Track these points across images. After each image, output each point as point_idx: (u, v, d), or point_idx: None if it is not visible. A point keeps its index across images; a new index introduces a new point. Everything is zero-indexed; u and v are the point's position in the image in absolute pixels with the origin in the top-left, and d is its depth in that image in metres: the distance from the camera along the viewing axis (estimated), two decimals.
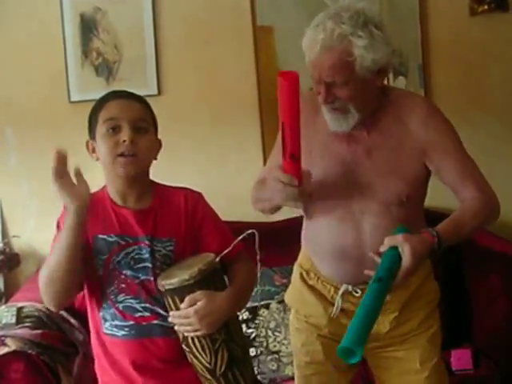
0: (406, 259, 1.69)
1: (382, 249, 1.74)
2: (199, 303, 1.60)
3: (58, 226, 1.72)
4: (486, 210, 1.85)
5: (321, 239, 1.95)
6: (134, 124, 1.67)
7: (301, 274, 2.03)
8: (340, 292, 1.93)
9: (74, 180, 1.59)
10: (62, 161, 1.58)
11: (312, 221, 1.99)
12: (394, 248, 1.72)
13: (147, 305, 1.68)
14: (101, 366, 1.76)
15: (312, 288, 2.00)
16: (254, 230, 1.68)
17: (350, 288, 1.92)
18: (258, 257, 1.70)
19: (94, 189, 1.78)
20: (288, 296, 2.13)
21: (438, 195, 2.12)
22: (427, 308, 1.98)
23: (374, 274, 1.72)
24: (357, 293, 1.91)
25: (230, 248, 1.68)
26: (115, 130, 1.66)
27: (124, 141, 1.65)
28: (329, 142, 1.91)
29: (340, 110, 1.82)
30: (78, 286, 1.71)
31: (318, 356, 2.00)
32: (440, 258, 2.88)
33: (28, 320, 2.52)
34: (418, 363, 1.94)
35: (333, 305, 1.95)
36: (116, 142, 1.65)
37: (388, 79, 3.16)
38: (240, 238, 1.70)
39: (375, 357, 2.02)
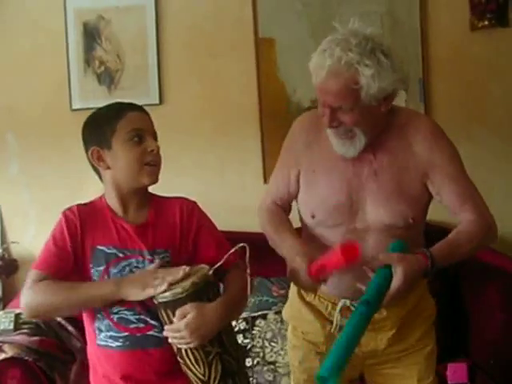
0: (397, 280, 1.71)
1: (376, 265, 1.75)
2: (189, 316, 1.60)
3: (54, 237, 1.71)
4: (483, 234, 1.87)
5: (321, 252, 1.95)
6: (153, 135, 1.74)
7: (298, 291, 2.02)
8: (338, 307, 1.93)
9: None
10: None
11: (312, 234, 1.98)
12: (388, 266, 1.74)
13: (142, 316, 1.69)
14: (95, 376, 1.77)
15: (309, 305, 2.00)
16: (245, 244, 1.68)
17: (348, 303, 1.92)
18: (249, 271, 1.70)
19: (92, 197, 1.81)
20: (286, 312, 2.12)
21: (438, 210, 2.12)
22: (424, 325, 1.99)
23: (365, 290, 1.73)
24: (355, 307, 1.89)
25: (221, 261, 1.68)
26: (140, 139, 1.70)
27: (152, 150, 1.70)
28: (333, 161, 1.91)
29: (346, 135, 1.82)
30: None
31: (315, 374, 1.99)
32: (438, 272, 2.91)
33: (26, 326, 2.53)
34: (415, 380, 1.95)
35: (330, 321, 1.95)
36: (143, 150, 1.70)
37: None
38: (231, 251, 1.69)
39: (373, 373, 2.02)
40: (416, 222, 1.88)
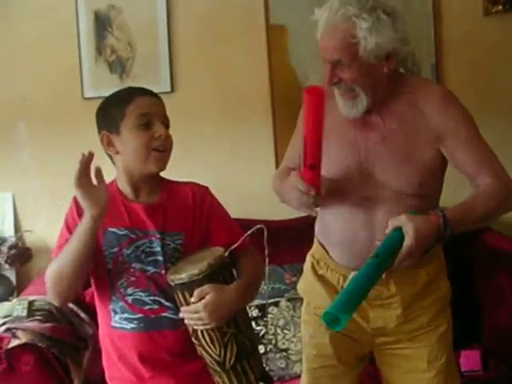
0: (409, 238, 1.67)
1: (387, 231, 1.72)
2: (208, 297, 1.61)
3: (67, 222, 1.73)
4: (501, 197, 1.80)
5: (332, 225, 1.95)
6: (162, 120, 1.72)
7: (312, 265, 2.02)
8: (348, 279, 1.88)
9: (95, 181, 1.61)
10: (87, 164, 1.58)
11: (323, 207, 1.96)
12: (398, 229, 1.70)
13: (156, 298, 1.70)
14: (108, 360, 1.78)
15: (321, 278, 1.99)
16: (263, 226, 1.69)
17: None
18: (267, 251, 1.70)
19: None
20: (299, 286, 2.12)
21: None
22: (437, 305, 1.96)
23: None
24: None
25: (238, 242, 1.69)
26: (148, 125, 1.69)
27: (160, 135, 1.69)
28: (343, 128, 1.91)
29: (348, 95, 1.82)
30: (85, 283, 1.73)
31: (326, 349, 1.99)
32: (450, 258, 2.90)
33: (39, 313, 2.54)
34: (425, 362, 1.93)
35: None
36: (150, 136, 1.69)
37: None
38: (249, 232, 1.71)
39: (383, 354, 2.01)
40: (424, 189, 1.84)
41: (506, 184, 1.82)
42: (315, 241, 2.06)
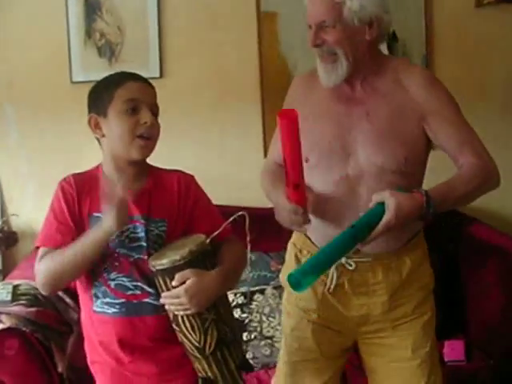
0: (389, 213, 1.68)
1: (370, 205, 1.73)
2: (189, 281, 1.61)
3: (54, 210, 1.71)
4: (483, 176, 1.83)
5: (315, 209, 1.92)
6: (151, 108, 1.70)
7: (295, 254, 2.01)
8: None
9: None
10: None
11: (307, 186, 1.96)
12: (381, 204, 1.71)
13: (139, 283, 1.70)
14: (90, 344, 1.78)
15: None
16: (245, 212, 1.69)
17: (343, 260, 1.88)
18: (248, 238, 1.71)
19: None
20: (282, 276, 2.11)
21: None
22: (421, 293, 1.97)
23: None
24: (350, 266, 1.90)
25: (220, 229, 1.69)
26: (135, 110, 1.68)
27: (145, 122, 1.67)
28: (327, 105, 1.93)
29: (329, 58, 1.85)
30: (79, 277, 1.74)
31: (307, 343, 1.99)
32: (437, 249, 2.91)
33: (23, 298, 2.53)
34: (410, 351, 1.93)
35: (325, 284, 1.93)
36: (136, 122, 1.68)
37: None
38: (231, 219, 1.71)
39: (367, 343, 2.01)
40: (408, 165, 1.85)
41: (487, 163, 1.85)
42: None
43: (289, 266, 2.05)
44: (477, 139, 1.88)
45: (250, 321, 2.76)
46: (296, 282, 1.65)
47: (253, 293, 2.77)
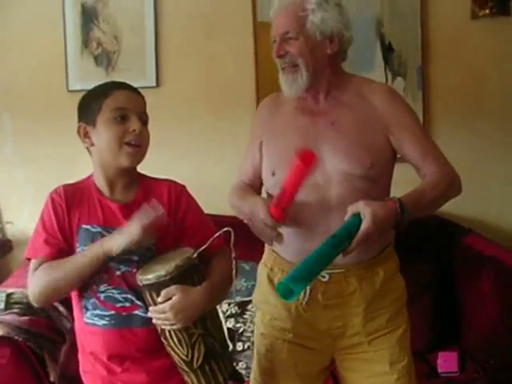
0: (366, 222, 1.71)
1: (346, 217, 1.75)
2: (174, 298, 1.61)
3: (44, 221, 1.71)
4: (447, 182, 1.90)
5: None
6: (140, 116, 1.71)
7: (267, 274, 2.00)
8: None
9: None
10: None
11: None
12: (357, 215, 1.73)
13: (128, 295, 1.69)
14: (83, 354, 1.78)
15: None
16: (230, 229, 1.69)
17: None
18: (234, 255, 1.70)
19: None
20: (255, 297, 2.11)
21: None
22: (395, 305, 1.97)
23: None
24: (324, 278, 1.89)
25: (206, 245, 1.68)
26: (124, 118, 1.68)
27: (134, 130, 1.68)
28: (292, 119, 1.98)
29: (290, 69, 1.91)
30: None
31: (283, 363, 1.97)
32: (432, 260, 2.91)
33: (16, 306, 2.53)
34: (387, 365, 1.92)
35: (298, 301, 1.91)
36: (124, 130, 1.68)
37: (387, 80, 3.17)
38: (216, 235, 1.70)
39: (344, 359, 1.99)
40: (376, 170, 1.89)
41: (449, 171, 1.92)
42: (266, 249, 2.05)
43: (261, 287, 2.04)
44: (438, 149, 1.96)
45: (244, 331, 2.75)
46: (286, 291, 1.64)
47: (246, 303, 2.77)
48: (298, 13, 1.89)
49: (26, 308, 2.53)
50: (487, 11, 3.16)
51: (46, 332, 2.50)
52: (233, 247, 1.69)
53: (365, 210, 1.71)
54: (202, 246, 1.67)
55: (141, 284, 1.64)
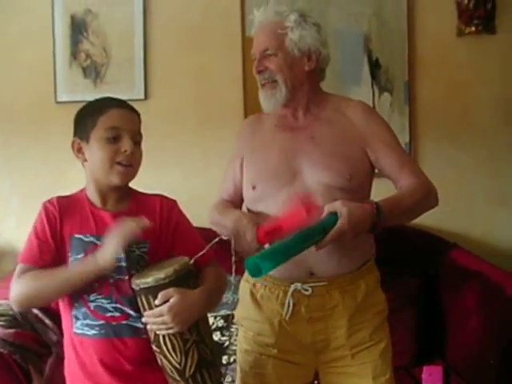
0: (341, 219, 1.75)
1: (322, 216, 1.78)
2: (172, 299, 1.61)
3: (36, 231, 1.71)
4: (423, 191, 1.94)
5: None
6: (133, 136, 1.72)
7: (250, 290, 2.02)
8: (289, 291, 1.92)
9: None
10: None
11: (255, 211, 1.99)
12: (334, 213, 1.77)
13: (118, 305, 1.70)
14: (69, 366, 1.76)
15: (259, 304, 1.99)
16: (225, 237, 1.74)
17: (299, 286, 1.91)
18: (234, 259, 1.76)
19: (75, 189, 1.80)
20: (237, 313, 2.11)
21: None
22: (377, 319, 1.99)
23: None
24: (307, 291, 1.91)
25: (204, 251, 1.70)
26: (116, 138, 1.70)
27: (125, 151, 1.69)
28: (273, 136, 2.03)
29: (269, 85, 1.98)
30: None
31: (267, 380, 1.97)
32: (417, 274, 2.93)
33: (2, 319, 2.51)
34: (370, 379, 1.94)
35: (280, 315, 1.94)
36: (116, 150, 1.69)
37: (374, 95, 3.20)
38: (213, 242, 1.72)
39: (328, 373, 2.00)
40: (355, 181, 1.93)
41: (425, 183, 1.97)
42: None
43: (244, 303, 2.05)
44: (414, 162, 2.07)
45: (230, 344, 2.75)
46: (255, 268, 1.66)
47: (232, 316, 2.77)
48: (277, 30, 1.97)
49: (12, 320, 2.51)
50: (473, 29, 3.20)
51: (31, 345, 2.49)
52: (233, 251, 1.76)
53: (341, 209, 1.76)
54: (198, 254, 1.70)
55: (137, 288, 1.64)
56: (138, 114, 1.77)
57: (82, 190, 1.79)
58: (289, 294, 1.92)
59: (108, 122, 1.70)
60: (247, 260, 1.68)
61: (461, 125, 3.26)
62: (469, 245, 3.13)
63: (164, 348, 1.66)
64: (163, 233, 1.76)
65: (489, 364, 2.47)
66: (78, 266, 1.66)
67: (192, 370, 1.66)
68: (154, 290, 1.63)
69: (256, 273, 1.67)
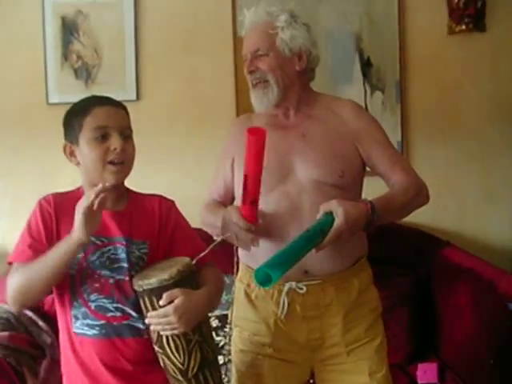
0: (338, 220, 1.75)
1: (318, 216, 1.79)
2: (177, 300, 1.61)
3: (30, 228, 1.70)
4: (415, 189, 1.96)
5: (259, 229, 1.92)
6: (121, 132, 1.70)
7: (244, 291, 2.02)
8: (284, 290, 1.93)
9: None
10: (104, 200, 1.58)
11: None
12: (329, 213, 1.78)
13: (119, 305, 1.69)
14: (67, 367, 1.75)
15: (254, 304, 2.00)
16: (223, 236, 1.75)
17: (293, 285, 1.92)
18: (236, 259, 1.78)
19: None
20: (232, 314, 2.11)
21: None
22: (372, 315, 2.00)
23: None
24: (301, 289, 1.92)
25: (206, 251, 1.71)
26: (104, 137, 1.68)
27: (115, 149, 1.67)
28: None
29: (261, 84, 1.99)
30: (49, 292, 1.72)
31: (264, 379, 1.98)
32: (410, 272, 2.94)
33: None
34: (366, 375, 1.95)
35: (276, 314, 1.95)
36: (106, 149, 1.68)
37: (365, 94, 3.21)
38: (215, 243, 1.74)
39: (324, 370, 2.01)
40: (346, 177, 1.94)
41: (416, 180, 1.99)
42: (240, 266, 2.06)
43: (239, 304, 2.05)
44: (405, 159, 2.08)
45: (225, 344, 2.75)
46: (264, 278, 1.65)
47: (227, 316, 2.77)
48: (268, 31, 1.98)
49: (6, 323, 2.50)
50: (463, 27, 3.22)
51: (25, 347, 2.48)
52: (235, 251, 1.78)
53: (337, 209, 1.77)
54: (199, 255, 1.70)
55: (140, 289, 1.64)
56: (124, 108, 1.75)
57: (79, 188, 1.77)
58: (283, 292, 1.93)
59: (93, 122, 1.68)
60: (256, 272, 1.67)
61: (452, 123, 3.28)
62: (461, 242, 3.14)
63: (167, 348, 1.66)
64: (162, 233, 1.76)
65: (483, 361, 2.49)
66: (56, 247, 1.62)
67: (195, 370, 1.67)
68: (157, 291, 1.63)
69: (265, 282, 1.66)
